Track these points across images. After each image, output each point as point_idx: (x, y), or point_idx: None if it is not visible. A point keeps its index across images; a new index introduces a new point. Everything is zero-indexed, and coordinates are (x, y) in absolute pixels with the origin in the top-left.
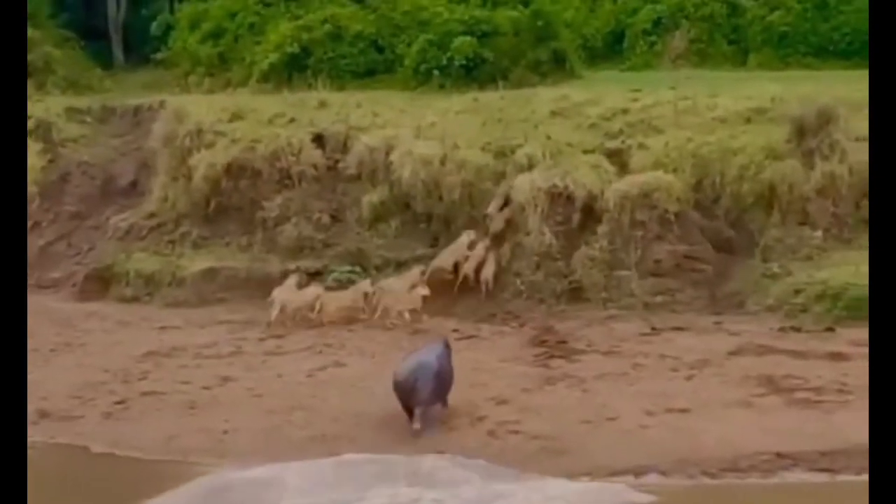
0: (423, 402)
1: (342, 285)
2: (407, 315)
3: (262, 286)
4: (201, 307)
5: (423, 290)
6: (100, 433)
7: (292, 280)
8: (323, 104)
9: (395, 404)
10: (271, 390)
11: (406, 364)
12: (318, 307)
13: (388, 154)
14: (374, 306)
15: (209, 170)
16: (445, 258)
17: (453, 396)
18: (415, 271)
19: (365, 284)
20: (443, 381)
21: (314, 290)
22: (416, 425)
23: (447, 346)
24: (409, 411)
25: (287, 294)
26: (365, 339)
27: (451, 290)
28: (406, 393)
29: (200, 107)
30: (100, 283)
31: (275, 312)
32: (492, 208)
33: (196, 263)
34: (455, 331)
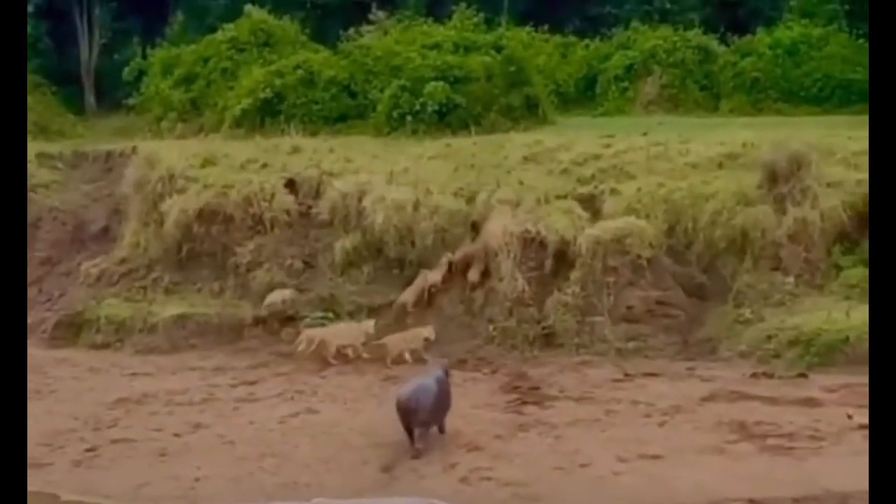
0: (422, 422)
1: None
2: (408, 356)
3: (234, 332)
4: (173, 353)
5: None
6: (70, 481)
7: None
8: (295, 149)
9: (366, 452)
10: (243, 437)
11: (408, 386)
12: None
13: (360, 199)
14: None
15: (181, 215)
16: (407, 295)
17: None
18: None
19: (368, 325)
20: (441, 403)
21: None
22: (419, 445)
23: (446, 372)
24: (410, 432)
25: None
26: (337, 385)
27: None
28: (407, 413)
29: (172, 152)
30: (71, 330)
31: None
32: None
33: (168, 309)
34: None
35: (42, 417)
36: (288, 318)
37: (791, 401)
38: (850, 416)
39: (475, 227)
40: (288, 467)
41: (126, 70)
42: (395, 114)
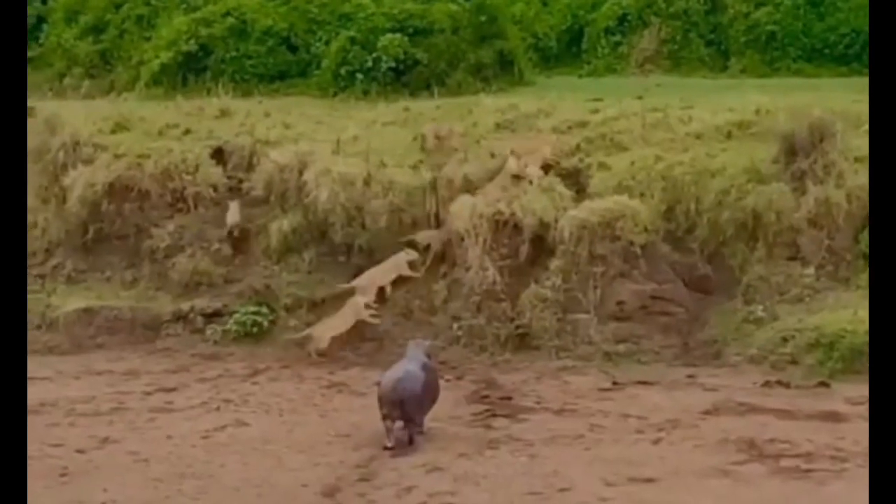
0: (408, 415)
1: (245, 329)
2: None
3: (150, 330)
4: (76, 354)
5: None
6: None
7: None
8: (224, 113)
9: (306, 473)
10: (159, 454)
11: (392, 372)
12: None
13: (301, 173)
14: None
15: (87, 190)
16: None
17: (376, 463)
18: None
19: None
20: (430, 395)
21: None
22: (410, 447)
23: (428, 356)
24: (389, 428)
25: None
26: (271, 393)
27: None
28: (391, 405)
29: (77, 114)
30: None
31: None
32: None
33: (70, 302)
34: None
35: None
36: (213, 314)
37: (810, 414)
38: None
39: (437, 207)
40: (212, 490)
41: None
42: (342, 71)
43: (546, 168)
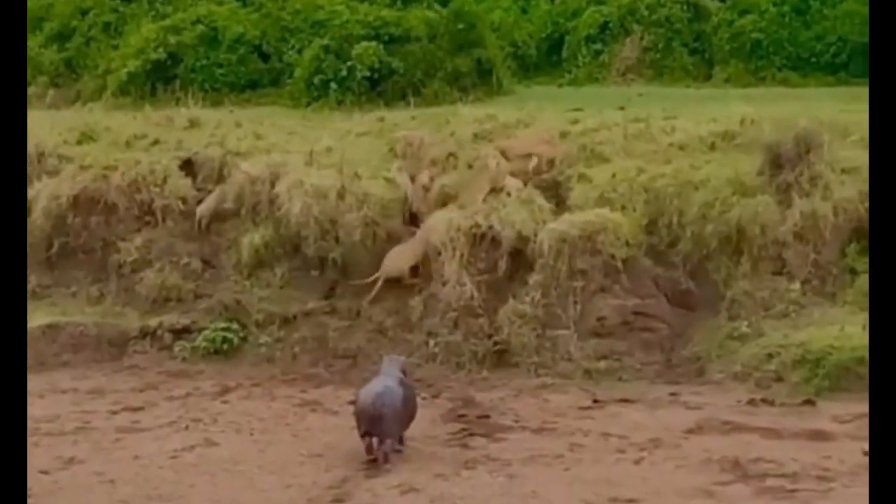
0: (390, 432)
1: (215, 346)
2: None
3: (116, 347)
4: (40, 372)
5: None
6: None
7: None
8: (194, 123)
9: (277, 495)
10: (126, 475)
11: (370, 387)
12: None
13: (273, 185)
14: None
15: (52, 203)
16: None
17: (350, 484)
18: None
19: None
20: (408, 411)
21: None
22: (388, 465)
23: (404, 372)
24: (369, 445)
25: None
26: (242, 412)
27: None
28: (370, 421)
29: (42, 125)
30: None
31: None
32: None
33: (34, 318)
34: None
35: None
36: (182, 330)
37: (795, 433)
38: (865, 453)
39: (413, 220)
40: None
41: None
42: (316, 80)
43: (539, 170)
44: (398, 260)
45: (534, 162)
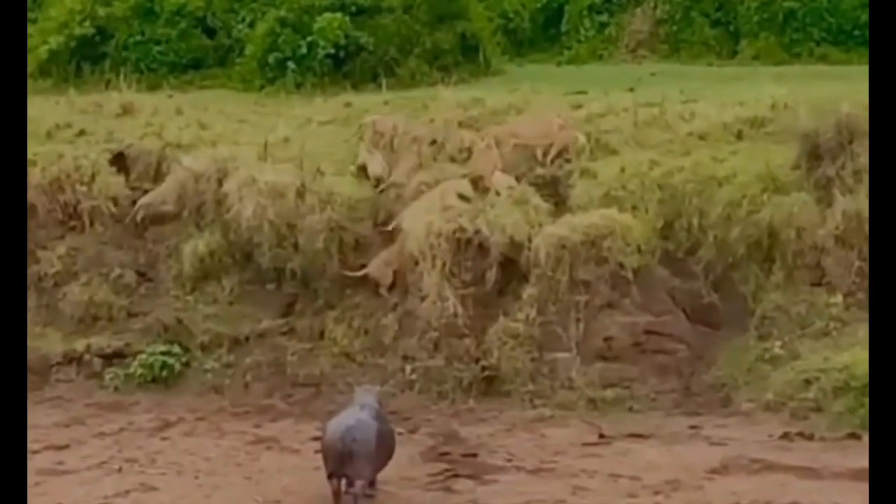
0: (362, 473)
1: (153, 373)
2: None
3: (37, 375)
4: None
5: None
6: None
7: None
8: (127, 110)
9: None
10: None
11: (339, 420)
12: None
13: (220, 183)
14: None
15: None
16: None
17: None
18: None
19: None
20: (384, 448)
21: None
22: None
23: (380, 404)
24: (337, 490)
25: None
26: (185, 450)
27: None
28: (339, 459)
29: None
30: None
31: None
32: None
33: None
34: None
35: None
36: (114, 355)
37: (837, 473)
38: None
39: (386, 224)
40: None
41: None
42: (270, 59)
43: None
44: (383, 269)
45: (546, 151)
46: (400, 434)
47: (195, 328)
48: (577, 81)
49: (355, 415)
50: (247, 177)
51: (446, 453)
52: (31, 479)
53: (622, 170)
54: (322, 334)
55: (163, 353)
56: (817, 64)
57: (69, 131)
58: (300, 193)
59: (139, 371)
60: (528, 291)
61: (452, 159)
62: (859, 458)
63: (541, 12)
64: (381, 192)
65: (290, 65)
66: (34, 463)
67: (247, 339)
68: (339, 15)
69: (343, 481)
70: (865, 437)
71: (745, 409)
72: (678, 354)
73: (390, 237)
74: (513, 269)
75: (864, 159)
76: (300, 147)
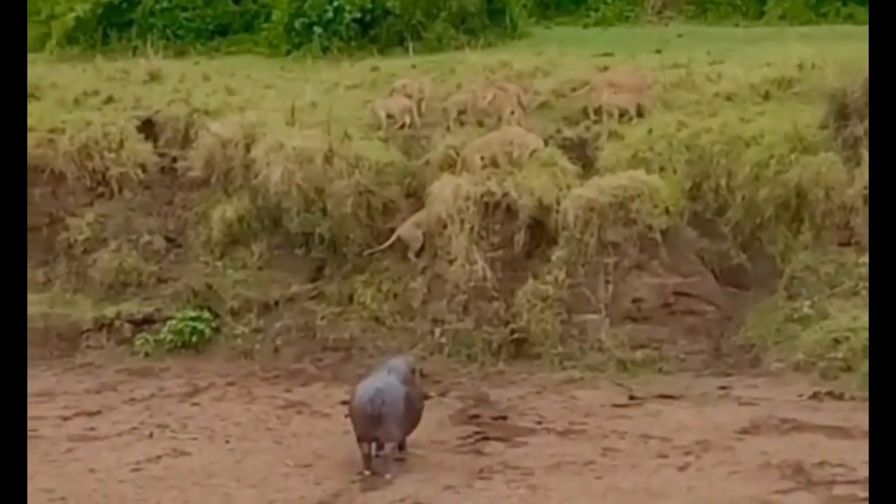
0: (391, 436)
1: (183, 339)
2: None
3: (67, 341)
4: None
5: None
6: None
7: None
8: (154, 77)
9: None
10: (80, 491)
11: (369, 383)
12: None
13: (248, 148)
14: None
15: None
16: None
17: (343, 498)
18: None
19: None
20: (412, 413)
21: None
22: (388, 475)
23: (413, 371)
24: (367, 452)
25: None
26: (216, 415)
27: None
28: (369, 421)
29: None
30: None
31: None
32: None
33: None
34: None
35: None
36: (144, 321)
37: (867, 432)
38: None
39: (415, 188)
40: None
41: None
42: (297, 24)
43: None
44: (413, 232)
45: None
46: (430, 398)
47: (225, 293)
48: (604, 44)
49: (383, 377)
50: (274, 142)
51: (476, 416)
52: (63, 444)
53: (650, 131)
54: (351, 298)
55: (193, 319)
56: (844, 23)
57: (97, 98)
58: (328, 158)
59: (169, 337)
60: (557, 254)
61: (480, 123)
62: None
63: None
64: (401, 127)
65: (317, 29)
66: (66, 429)
67: (276, 303)
68: None
69: (373, 445)
70: None
71: (775, 370)
72: (707, 315)
73: (419, 201)
74: (541, 231)
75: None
76: (327, 112)
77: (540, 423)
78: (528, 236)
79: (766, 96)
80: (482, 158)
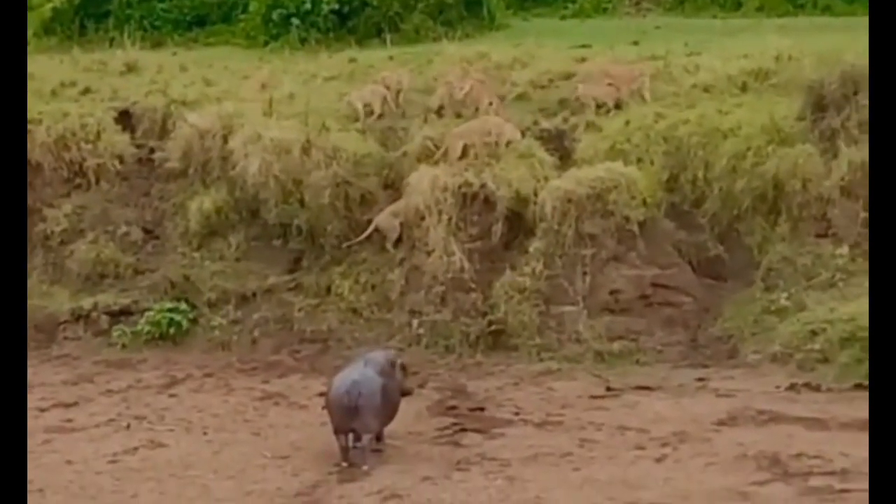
0: (368, 427)
1: (160, 330)
2: None
3: (44, 333)
4: None
5: None
6: None
7: None
8: (131, 68)
9: (238, 503)
10: (57, 483)
11: (346, 375)
12: None
13: (226, 140)
14: None
15: None
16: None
17: (321, 490)
18: None
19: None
20: (390, 401)
21: None
22: (366, 466)
23: (393, 365)
24: (344, 444)
25: None
26: (193, 407)
27: None
28: (346, 413)
29: None
30: None
31: None
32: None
33: None
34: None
35: None
36: (121, 312)
37: (844, 423)
38: None
39: (392, 180)
40: None
41: None
42: (275, 15)
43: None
44: (389, 222)
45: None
46: (410, 393)
47: (202, 285)
48: (582, 35)
49: (360, 370)
50: (252, 133)
51: (454, 407)
52: (40, 436)
53: (627, 123)
54: (329, 290)
55: (170, 310)
56: (822, 15)
57: (74, 89)
58: (305, 149)
59: (146, 328)
60: (535, 245)
61: (458, 114)
62: (866, 408)
63: None
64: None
65: (295, 21)
66: (43, 421)
67: (254, 295)
68: None
69: (350, 436)
70: None
71: (752, 361)
72: (684, 307)
73: (396, 192)
74: (519, 222)
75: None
76: (305, 103)
77: (517, 414)
78: (505, 228)
79: (744, 88)
80: (461, 149)
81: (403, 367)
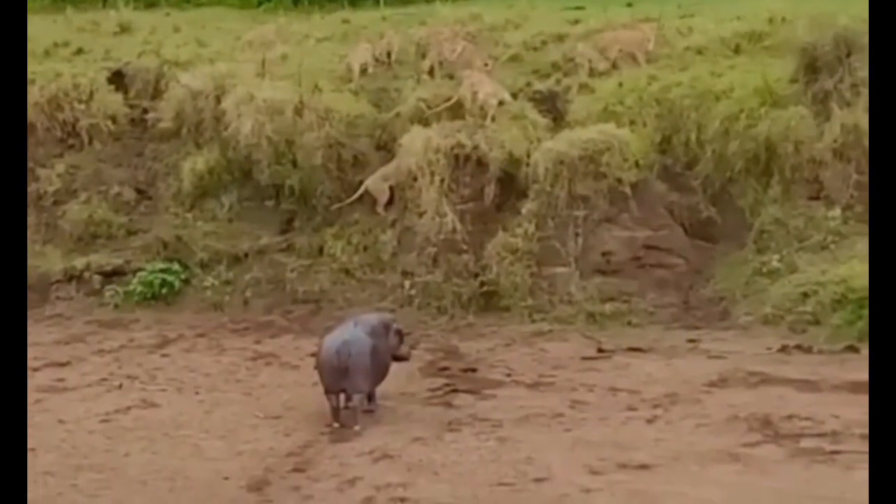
0: (359, 388)
1: (153, 290)
2: None
3: (37, 293)
4: None
5: None
6: None
7: None
8: (124, 28)
9: (227, 464)
10: (49, 442)
11: (336, 335)
12: None
13: (218, 100)
14: None
15: None
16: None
17: (312, 450)
18: None
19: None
20: (380, 362)
21: None
22: (357, 426)
23: (387, 327)
24: (335, 404)
25: None
26: (185, 367)
27: None
28: (336, 372)
29: None
30: None
31: None
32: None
33: None
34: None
35: None
36: (113, 272)
37: (836, 385)
38: None
39: (385, 141)
40: (115, 484)
41: None
42: None
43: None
44: (380, 185)
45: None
46: (405, 359)
47: (194, 245)
48: None
49: (350, 330)
50: (245, 94)
51: (445, 368)
52: (32, 396)
53: (620, 85)
54: (321, 251)
55: (162, 271)
56: None
57: (67, 50)
58: (298, 110)
59: (139, 288)
60: (527, 207)
61: (450, 76)
62: (857, 370)
63: None
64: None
65: None
66: (35, 380)
67: (246, 255)
68: None
69: (341, 396)
70: (863, 350)
71: (744, 323)
72: (676, 269)
73: (389, 154)
74: (511, 184)
75: (861, 73)
76: (298, 64)
77: (509, 375)
78: (498, 189)
79: (737, 50)
80: (451, 109)
81: (399, 333)
